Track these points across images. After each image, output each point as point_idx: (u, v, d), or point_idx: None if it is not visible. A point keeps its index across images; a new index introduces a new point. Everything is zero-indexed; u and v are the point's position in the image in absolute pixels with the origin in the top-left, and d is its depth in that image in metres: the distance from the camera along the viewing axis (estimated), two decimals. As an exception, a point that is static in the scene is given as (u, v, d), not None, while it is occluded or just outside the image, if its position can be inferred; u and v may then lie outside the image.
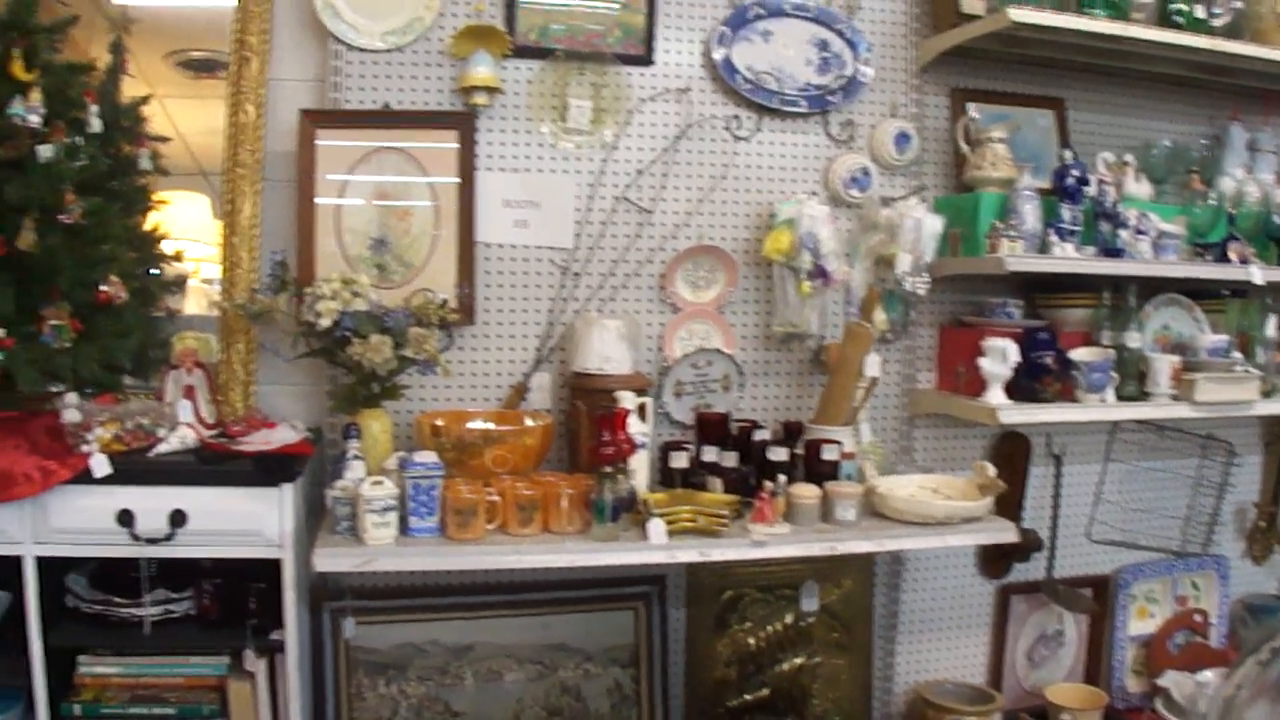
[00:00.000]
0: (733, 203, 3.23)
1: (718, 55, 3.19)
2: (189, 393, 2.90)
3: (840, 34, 3.28)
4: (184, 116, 3.09)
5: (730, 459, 2.97)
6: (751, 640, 3.35)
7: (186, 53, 3.19)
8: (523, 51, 3.11)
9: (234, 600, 2.85)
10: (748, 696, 3.38)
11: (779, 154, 3.28)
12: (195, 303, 3.14)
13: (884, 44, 3.35)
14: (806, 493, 2.86)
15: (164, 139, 3.04)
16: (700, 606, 3.28)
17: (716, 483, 2.91)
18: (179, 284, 3.01)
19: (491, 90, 3.03)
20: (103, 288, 2.70)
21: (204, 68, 3.21)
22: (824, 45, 3.29)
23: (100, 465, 2.64)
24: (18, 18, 2.59)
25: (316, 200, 3.00)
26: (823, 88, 3.28)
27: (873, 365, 3.12)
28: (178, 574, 2.86)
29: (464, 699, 3.13)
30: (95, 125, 2.72)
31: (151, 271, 2.97)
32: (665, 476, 2.96)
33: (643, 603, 3.19)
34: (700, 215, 3.19)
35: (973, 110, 3.35)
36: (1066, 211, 3.11)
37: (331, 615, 2.98)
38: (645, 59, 3.17)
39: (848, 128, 3.32)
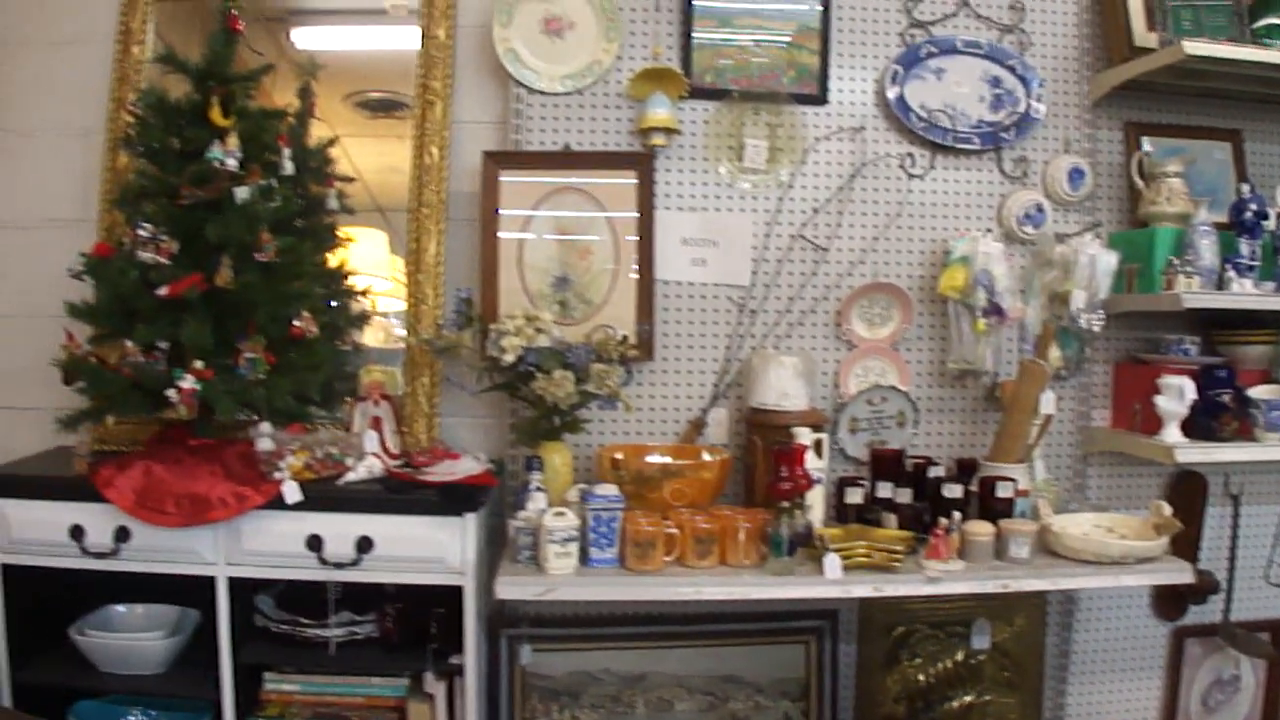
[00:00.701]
0: (907, 240, 3.26)
1: (891, 93, 3.23)
2: (375, 424, 3.02)
3: (1012, 70, 3.30)
4: (361, 155, 3.23)
5: (905, 495, 2.99)
6: (921, 677, 3.35)
7: (364, 93, 3.34)
8: (699, 92, 3.19)
9: (415, 624, 2.96)
10: (916, 733, 3.37)
11: (953, 191, 3.30)
12: (372, 335, 3.25)
13: (1056, 79, 3.36)
14: (981, 530, 2.87)
15: (349, 179, 3.16)
16: (871, 642, 3.30)
17: (891, 519, 2.93)
18: (364, 319, 3.11)
19: (669, 131, 3.12)
20: (295, 323, 2.82)
21: (381, 108, 3.35)
22: (996, 82, 3.30)
23: (292, 492, 2.77)
24: (215, 67, 2.75)
25: (499, 238, 3.09)
26: (996, 124, 3.29)
27: (1047, 402, 3.12)
28: (361, 597, 2.98)
29: (635, 727, 3.14)
30: (288, 168, 2.87)
31: (338, 305, 3.06)
32: (840, 512, 2.99)
33: (814, 637, 3.22)
34: (875, 252, 3.23)
35: (1147, 144, 3.35)
36: (1245, 246, 3.08)
37: (509, 641, 3.07)
38: (819, 98, 3.23)
39: (1021, 164, 3.33)
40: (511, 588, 2.70)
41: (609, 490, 2.74)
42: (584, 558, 2.77)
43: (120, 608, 3.16)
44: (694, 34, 3.18)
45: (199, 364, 2.69)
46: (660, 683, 3.16)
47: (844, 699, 3.31)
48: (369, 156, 3.23)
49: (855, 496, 2.95)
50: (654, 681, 3.15)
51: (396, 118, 3.31)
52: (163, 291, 2.70)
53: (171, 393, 2.68)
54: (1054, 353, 3.19)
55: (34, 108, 3.40)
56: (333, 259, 3.09)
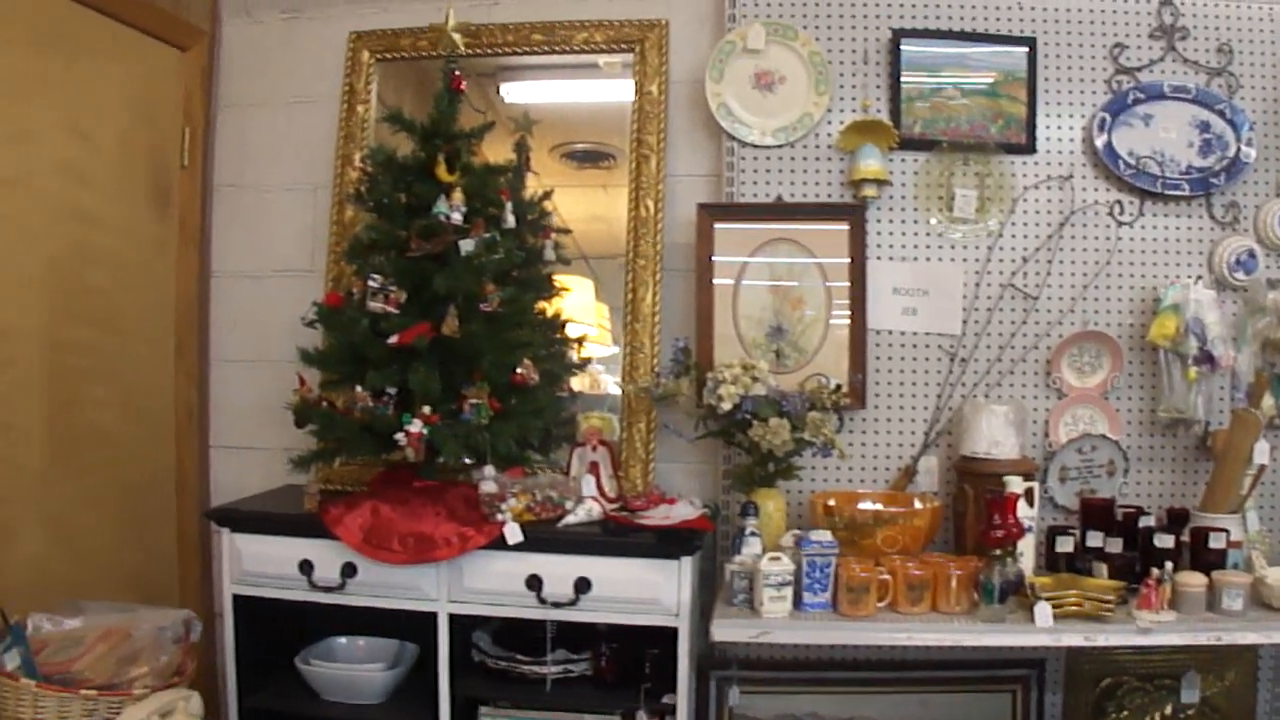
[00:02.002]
0: (1117, 287, 3.27)
1: (1099, 141, 3.25)
2: (593, 468, 3.13)
3: (1221, 114, 3.30)
4: (567, 204, 3.35)
5: (1115, 545, 2.99)
6: (1128, 730, 3.32)
7: (571, 145, 3.47)
8: (908, 143, 3.26)
9: (628, 663, 3.03)
10: (1122, 787, 3.35)
11: (1162, 238, 3.30)
12: (578, 382, 3.36)
13: (1266, 121, 3.34)
14: (1193, 580, 2.85)
15: (565, 230, 3.28)
16: (1078, 693, 3.29)
17: (1101, 568, 2.94)
18: (580, 366, 3.22)
19: (880, 182, 3.19)
20: (517, 370, 2.95)
21: (587, 159, 3.48)
22: (1205, 127, 3.31)
23: (514, 533, 2.89)
24: (440, 125, 2.90)
25: (714, 288, 3.19)
26: (1205, 169, 3.29)
27: (1261, 452, 3.10)
28: (576, 635, 3.07)
29: (841, 771, 3.18)
30: (509, 221, 3.00)
31: (555, 353, 3.18)
32: (1050, 560, 3.01)
33: (1021, 686, 3.23)
34: (1085, 300, 3.24)
35: (1363, 189, 3.30)
36: None
37: (718, 683, 3.14)
38: (1028, 147, 3.27)
39: (1232, 209, 3.33)
40: (727, 630, 2.76)
41: (824, 536, 2.79)
42: (797, 601, 2.82)
43: (343, 639, 3.32)
44: (902, 84, 3.23)
45: (426, 409, 2.82)
46: (865, 727, 3.16)
47: (1045, 751, 3.28)
48: (575, 206, 3.36)
49: (1066, 545, 2.96)
50: (859, 726, 3.16)
51: (602, 168, 3.44)
52: (393, 340, 2.84)
53: (400, 436, 2.81)
54: (1268, 401, 3.17)
55: (266, 166, 3.62)
56: (549, 308, 3.17)
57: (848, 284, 3.20)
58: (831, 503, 2.97)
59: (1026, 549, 2.93)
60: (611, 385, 3.39)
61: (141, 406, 3.47)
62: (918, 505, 3.01)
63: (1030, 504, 2.96)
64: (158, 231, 3.51)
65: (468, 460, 2.99)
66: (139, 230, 3.43)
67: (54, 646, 2.71)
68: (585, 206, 3.36)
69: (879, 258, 3.23)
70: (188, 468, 3.61)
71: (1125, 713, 3.31)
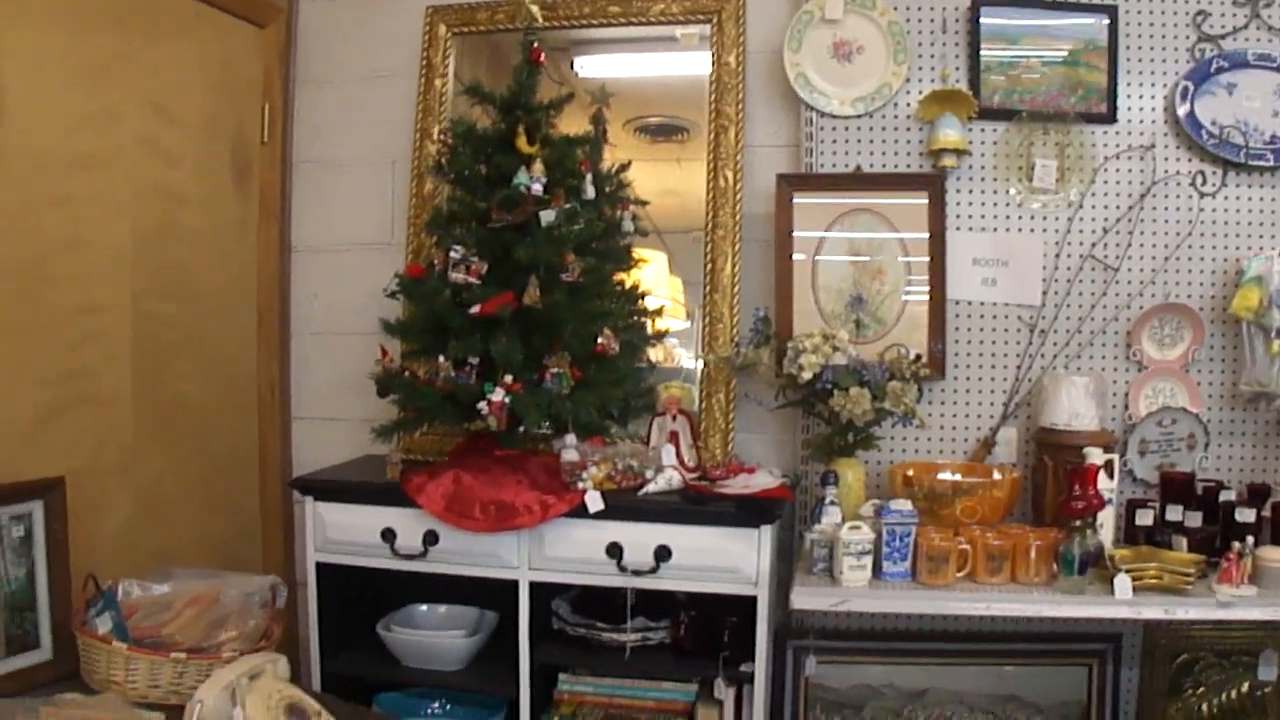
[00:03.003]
0: (1199, 259, 3.26)
1: (1181, 110, 3.24)
2: (672, 438, 3.16)
3: (1306, 84, 3.26)
4: (641, 179, 3.37)
5: (1195, 519, 2.98)
6: (1204, 707, 3.32)
7: (644, 119, 3.50)
8: (987, 113, 3.26)
9: (706, 632, 3.07)
10: (1198, 764, 3.34)
11: (1245, 209, 3.28)
12: (654, 353, 3.39)
13: (1353, 91, 3.29)
14: (1275, 555, 2.84)
15: (643, 202, 3.30)
16: (1154, 668, 3.28)
17: (1181, 542, 2.93)
18: (659, 337, 3.26)
19: (959, 152, 3.19)
20: (598, 339, 2.98)
21: (659, 132, 3.51)
22: (1290, 96, 3.27)
23: (595, 501, 2.93)
24: (520, 97, 2.94)
25: (793, 259, 3.22)
26: (1291, 140, 3.26)
27: (1345, 427, 3.07)
28: (655, 604, 3.12)
29: (916, 742, 3.20)
30: (589, 192, 3.03)
31: (634, 324, 3.21)
32: (1129, 534, 3.01)
33: (1097, 660, 3.23)
34: (1166, 272, 3.23)
35: None
36: None
37: (795, 652, 3.17)
38: (1108, 117, 3.26)
39: (1317, 181, 3.29)
40: (807, 598, 2.79)
41: (904, 505, 2.81)
42: (877, 570, 2.84)
43: (423, 607, 3.39)
44: (982, 54, 3.23)
45: (508, 378, 2.87)
46: (941, 699, 3.20)
47: (1124, 725, 3.29)
48: (648, 180, 3.38)
49: (1145, 519, 2.96)
50: (935, 697, 3.20)
51: (676, 141, 3.46)
52: (474, 310, 2.88)
53: (482, 405, 2.86)
54: (1352, 375, 3.14)
55: (344, 141, 3.69)
56: (628, 279, 3.21)
57: (927, 255, 3.21)
58: (910, 473, 2.98)
59: (1106, 522, 2.93)
60: (686, 359, 3.42)
61: (225, 379, 3.54)
62: (997, 476, 3.01)
63: (1110, 476, 2.95)
64: (239, 207, 3.57)
65: (548, 430, 3.03)
66: (221, 206, 3.50)
67: (144, 611, 2.77)
68: (658, 180, 3.39)
69: (958, 228, 3.25)
70: (270, 439, 3.68)
71: (1202, 689, 3.30)
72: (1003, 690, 3.22)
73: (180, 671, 2.68)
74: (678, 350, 3.44)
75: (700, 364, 3.33)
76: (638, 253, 3.29)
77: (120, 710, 2.55)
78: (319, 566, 3.20)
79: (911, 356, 3.03)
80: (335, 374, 3.67)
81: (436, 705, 3.30)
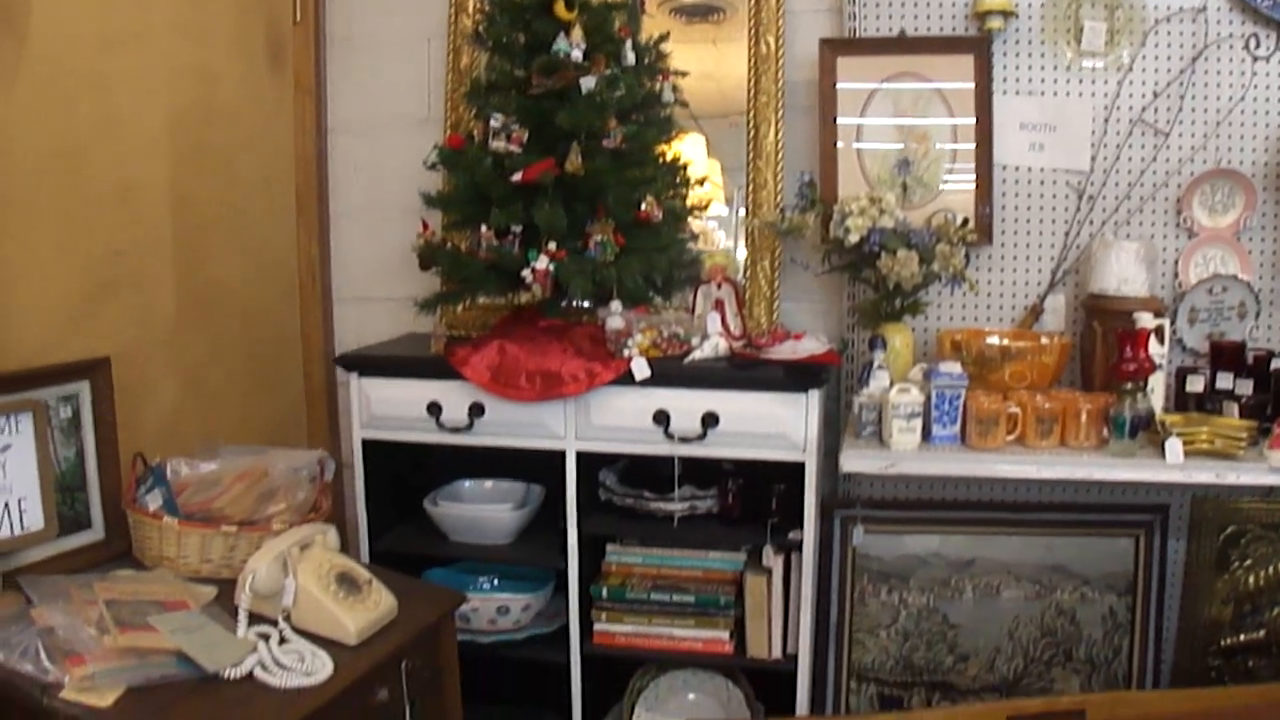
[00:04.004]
0: (1251, 125, 3.22)
1: (1234, -28, 3.18)
2: (718, 306, 3.16)
3: (1362, -58, 3.21)
4: (677, 62, 3.32)
5: (1245, 387, 2.97)
6: (1251, 579, 3.32)
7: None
8: (1035, -26, 3.20)
9: (754, 500, 3.09)
10: (1243, 637, 3.35)
11: (1299, 74, 3.23)
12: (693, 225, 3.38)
13: None
14: (1327, 422, 2.84)
15: (682, 73, 3.28)
16: (1201, 540, 3.29)
17: (1232, 409, 2.93)
18: (702, 208, 3.25)
19: (1006, 14, 3.16)
20: (641, 206, 2.98)
21: (695, 13, 3.48)
22: (1347, -43, 3.22)
23: (641, 368, 2.92)
24: (557, -38, 2.89)
25: (837, 123, 3.20)
26: (1346, 3, 3.21)
27: (1398, 293, 3.05)
28: (702, 472, 3.13)
29: (962, 612, 3.25)
30: (629, 58, 3.01)
31: (677, 194, 3.21)
32: (1179, 401, 3.01)
33: (1144, 531, 3.24)
34: (1218, 138, 3.20)
35: None
36: None
37: (842, 522, 3.19)
38: (1157, -22, 3.20)
39: (1372, 44, 3.24)
40: (856, 461, 2.81)
41: (953, 368, 2.81)
42: (926, 434, 2.85)
43: (469, 482, 3.40)
44: (1028, -87, 3.18)
45: (552, 246, 2.87)
46: (988, 569, 3.21)
47: (1170, 597, 3.31)
48: (684, 63, 3.32)
49: (1196, 385, 2.96)
50: (982, 567, 3.21)
51: (712, 22, 3.43)
52: (516, 177, 2.87)
53: (526, 274, 2.86)
54: (1403, 241, 3.12)
55: (378, 18, 3.66)
56: (668, 151, 3.20)
57: (973, 119, 3.17)
58: (958, 338, 2.97)
59: (1156, 387, 2.93)
60: (725, 242, 3.43)
61: (265, 261, 3.55)
62: (1045, 341, 3.00)
63: (1160, 342, 2.94)
64: (274, 87, 3.57)
65: (591, 303, 3.05)
66: (255, 86, 3.49)
67: (193, 488, 2.78)
68: (694, 64, 3.36)
69: (1005, 92, 3.21)
70: (312, 320, 3.70)
71: (1249, 561, 3.31)
72: (1049, 561, 3.23)
73: (231, 545, 2.71)
74: (717, 234, 3.42)
75: (741, 241, 3.33)
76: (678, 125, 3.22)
77: (173, 584, 2.58)
78: (365, 443, 3.23)
79: (959, 221, 3.02)
80: (375, 254, 3.68)
81: (485, 579, 3.32)
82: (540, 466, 3.21)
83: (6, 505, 2.50)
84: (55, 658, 2.23)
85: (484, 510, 3.27)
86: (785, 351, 2.94)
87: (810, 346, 2.94)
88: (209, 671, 2.28)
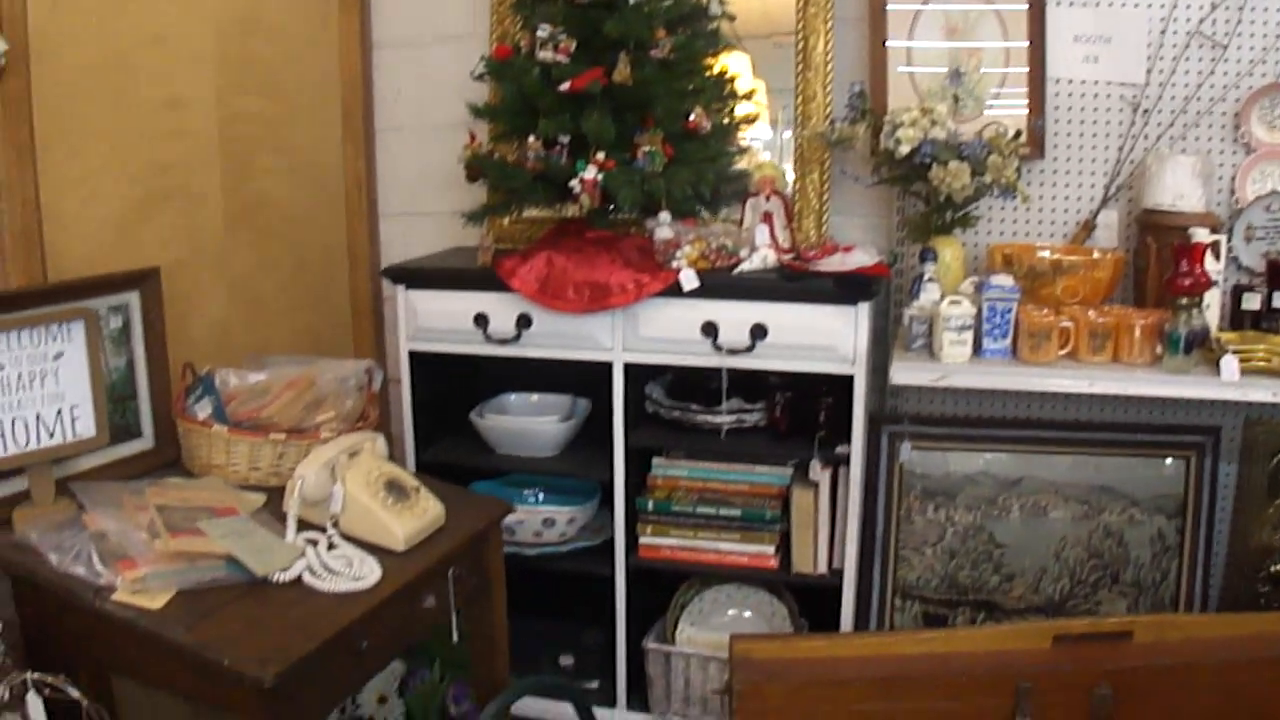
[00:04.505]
0: (1313, 37, 3.16)
1: (1299, -123, 3.13)
2: (766, 218, 3.16)
3: None
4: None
5: (1302, 304, 2.95)
6: (1302, 505, 3.31)
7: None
8: (1096, -118, 3.15)
9: (802, 414, 3.09)
10: (1293, 563, 3.34)
11: (1364, -14, 3.18)
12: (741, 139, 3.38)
13: None
14: (1385, 343, 2.81)
15: (729, -14, 3.24)
16: (1252, 464, 3.27)
17: (1288, 327, 2.90)
18: (750, 121, 3.25)
19: (1063, -77, 3.11)
20: (690, 117, 2.98)
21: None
22: None
23: (689, 279, 2.93)
24: None
25: (888, 33, 3.18)
26: None
27: None
28: (750, 386, 3.13)
29: (1008, 531, 3.26)
30: (676, -32, 2.97)
31: (724, 107, 3.21)
32: (1234, 319, 2.99)
33: (1195, 453, 3.23)
34: (1278, 51, 3.16)
35: None
36: None
37: (890, 438, 3.19)
38: (1214, -116, 3.15)
39: None
40: (906, 373, 2.81)
41: (1005, 280, 2.80)
42: (976, 349, 2.84)
43: (515, 395, 3.43)
44: None
45: (601, 155, 2.88)
46: (1036, 488, 3.21)
47: (1220, 521, 3.30)
48: (727, -14, 3.27)
49: (1252, 303, 2.93)
50: (1030, 486, 3.21)
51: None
52: (564, 87, 2.87)
53: (574, 183, 2.88)
54: None
55: (425, -72, 3.63)
56: (716, 64, 3.20)
57: (1026, 30, 3.15)
58: (1009, 252, 2.96)
59: (1211, 304, 2.90)
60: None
61: (311, 176, 3.57)
62: (1098, 256, 2.98)
63: (1216, 258, 2.92)
64: (320, 1, 3.56)
65: (639, 214, 3.07)
66: (301, 0, 3.48)
67: (241, 398, 2.82)
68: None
69: (1059, 3, 3.19)
70: (358, 234, 3.72)
71: (1301, 488, 3.28)
72: (1098, 481, 3.22)
73: (279, 453, 2.75)
74: (763, 155, 3.42)
75: (789, 161, 3.35)
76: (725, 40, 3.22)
77: (222, 491, 2.62)
78: (412, 355, 3.26)
79: (1011, 134, 2.99)
80: (420, 169, 3.70)
81: (530, 493, 3.35)
82: (586, 381, 3.24)
83: (59, 412, 2.55)
84: (107, 561, 2.29)
85: (530, 422, 3.29)
86: (834, 264, 2.94)
87: (859, 259, 2.94)
88: (258, 575, 2.32)
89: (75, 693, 2.22)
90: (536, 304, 2.89)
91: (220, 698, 2.23)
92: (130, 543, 2.37)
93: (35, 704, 2.21)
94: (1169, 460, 3.23)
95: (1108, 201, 3.21)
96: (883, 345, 3.12)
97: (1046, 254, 3.03)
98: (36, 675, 2.22)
